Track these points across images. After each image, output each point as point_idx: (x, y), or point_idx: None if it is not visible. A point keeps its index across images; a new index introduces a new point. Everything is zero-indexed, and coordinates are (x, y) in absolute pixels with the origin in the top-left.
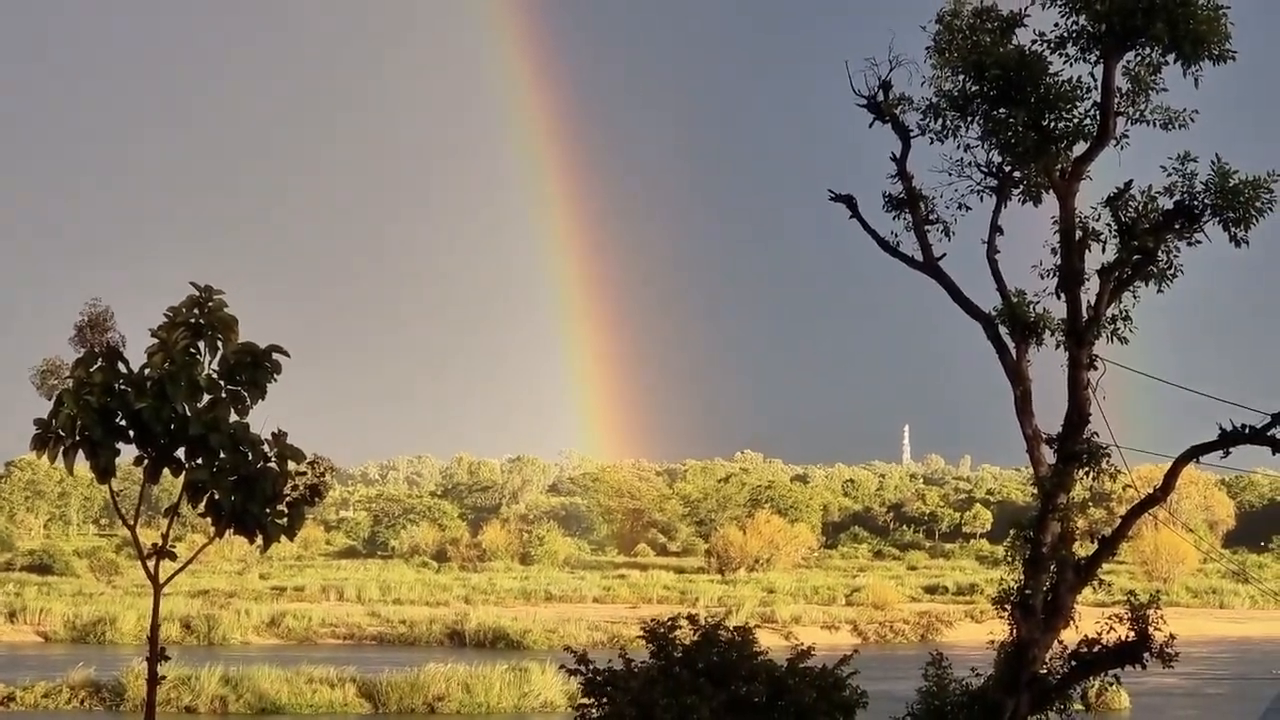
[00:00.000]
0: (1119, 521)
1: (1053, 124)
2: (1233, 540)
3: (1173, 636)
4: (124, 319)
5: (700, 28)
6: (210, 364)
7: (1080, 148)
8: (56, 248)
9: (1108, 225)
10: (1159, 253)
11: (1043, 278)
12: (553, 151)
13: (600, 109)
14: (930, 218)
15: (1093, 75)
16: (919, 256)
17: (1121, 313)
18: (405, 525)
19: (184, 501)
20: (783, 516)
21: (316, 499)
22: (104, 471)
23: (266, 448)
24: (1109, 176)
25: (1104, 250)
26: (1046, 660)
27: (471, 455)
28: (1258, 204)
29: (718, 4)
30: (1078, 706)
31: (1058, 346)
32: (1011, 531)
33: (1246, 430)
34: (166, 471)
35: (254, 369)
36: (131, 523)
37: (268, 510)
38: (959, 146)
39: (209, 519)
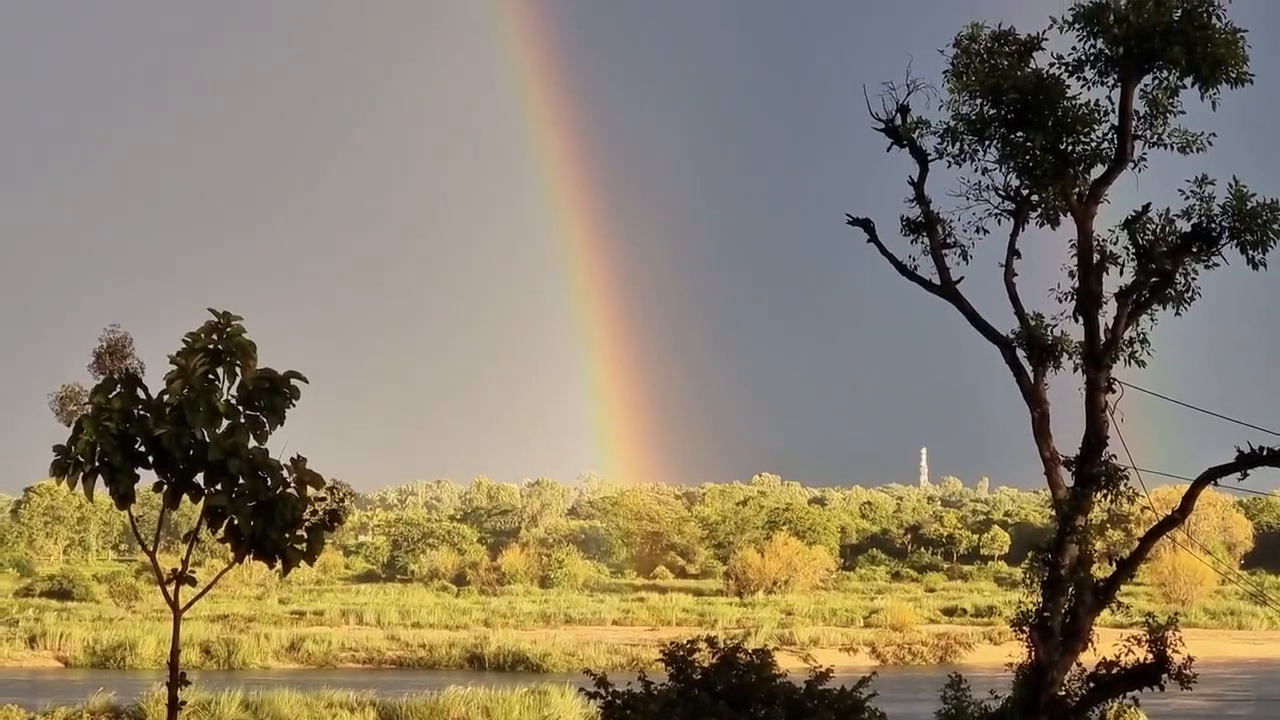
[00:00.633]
0: (1137, 544)
1: (1070, 147)
2: (1251, 561)
3: (1191, 658)
4: (142, 344)
5: (724, 57)
6: (229, 390)
7: (1098, 171)
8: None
9: (1125, 248)
10: (1176, 275)
11: (1060, 301)
12: (574, 179)
13: (622, 136)
14: (948, 241)
15: (1110, 98)
16: (937, 280)
17: (1139, 335)
18: (424, 549)
19: (203, 527)
20: (801, 539)
21: (335, 524)
22: (123, 497)
23: (285, 473)
24: (1127, 199)
25: (1121, 273)
26: (1065, 682)
27: (490, 479)
28: (1275, 226)
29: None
30: None
31: (1075, 369)
32: (1029, 554)
33: (1264, 452)
34: (186, 497)
35: (272, 394)
36: (151, 548)
37: (287, 535)
38: (976, 170)
39: (228, 544)
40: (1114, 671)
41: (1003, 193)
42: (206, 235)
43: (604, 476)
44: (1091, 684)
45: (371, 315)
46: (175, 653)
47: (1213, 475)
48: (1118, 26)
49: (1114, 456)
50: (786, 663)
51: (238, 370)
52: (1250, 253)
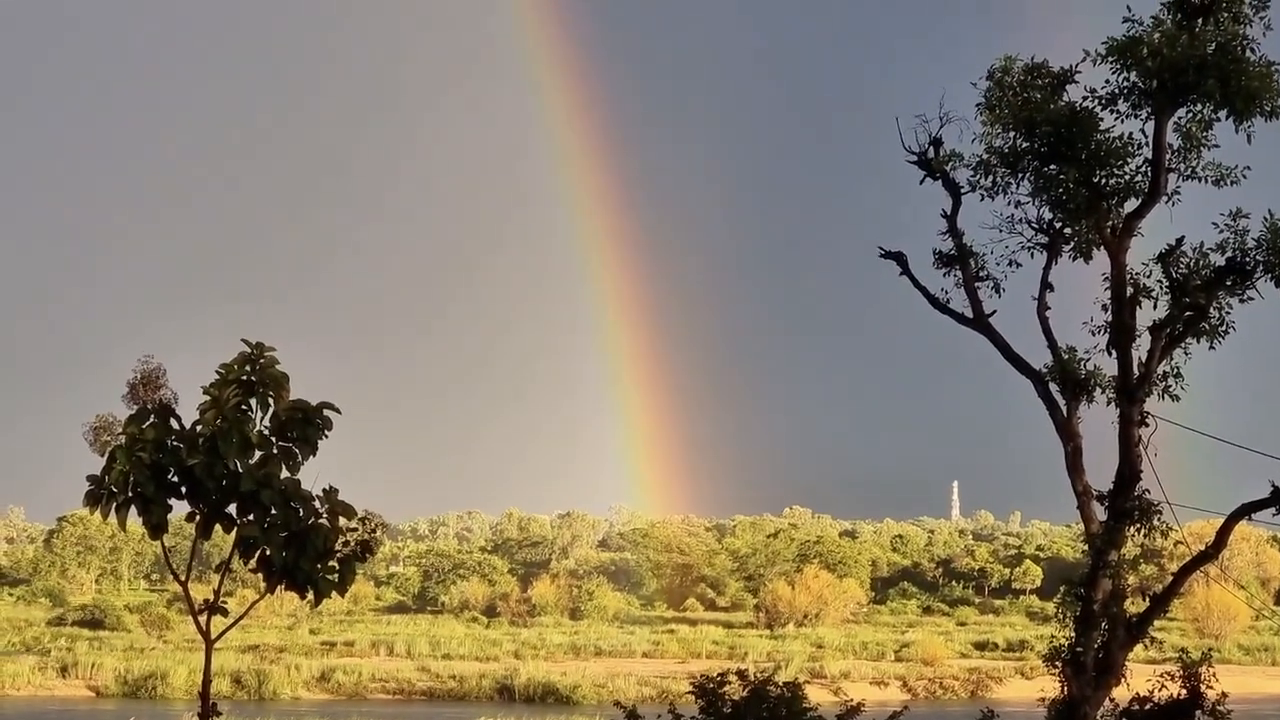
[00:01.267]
0: (1171, 579)
1: (1104, 180)
2: None
3: (1225, 694)
4: (175, 375)
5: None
6: (262, 421)
7: (1131, 204)
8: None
9: (1159, 282)
10: (1211, 309)
11: (1094, 334)
12: (610, 223)
13: (653, 168)
14: (980, 274)
15: (1144, 132)
16: (969, 313)
17: (1173, 369)
18: (455, 580)
19: (235, 557)
20: (831, 572)
21: (368, 555)
22: (156, 527)
23: (318, 504)
24: (1160, 233)
25: (1155, 307)
26: (1098, 718)
27: (521, 511)
28: None
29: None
30: None
31: (1109, 403)
32: (1062, 588)
33: None
34: (217, 527)
35: (305, 425)
36: (184, 578)
37: (319, 566)
38: (1009, 203)
39: (260, 574)
40: (1147, 707)
41: (1036, 226)
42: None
43: (634, 508)
44: (1125, 719)
45: (408, 352)
46: (207, 683)
47: (1247, 510)
48: (1151, 60)
49: (1147, 491)
50: (817, 696)
51: (270, 401)
52: None
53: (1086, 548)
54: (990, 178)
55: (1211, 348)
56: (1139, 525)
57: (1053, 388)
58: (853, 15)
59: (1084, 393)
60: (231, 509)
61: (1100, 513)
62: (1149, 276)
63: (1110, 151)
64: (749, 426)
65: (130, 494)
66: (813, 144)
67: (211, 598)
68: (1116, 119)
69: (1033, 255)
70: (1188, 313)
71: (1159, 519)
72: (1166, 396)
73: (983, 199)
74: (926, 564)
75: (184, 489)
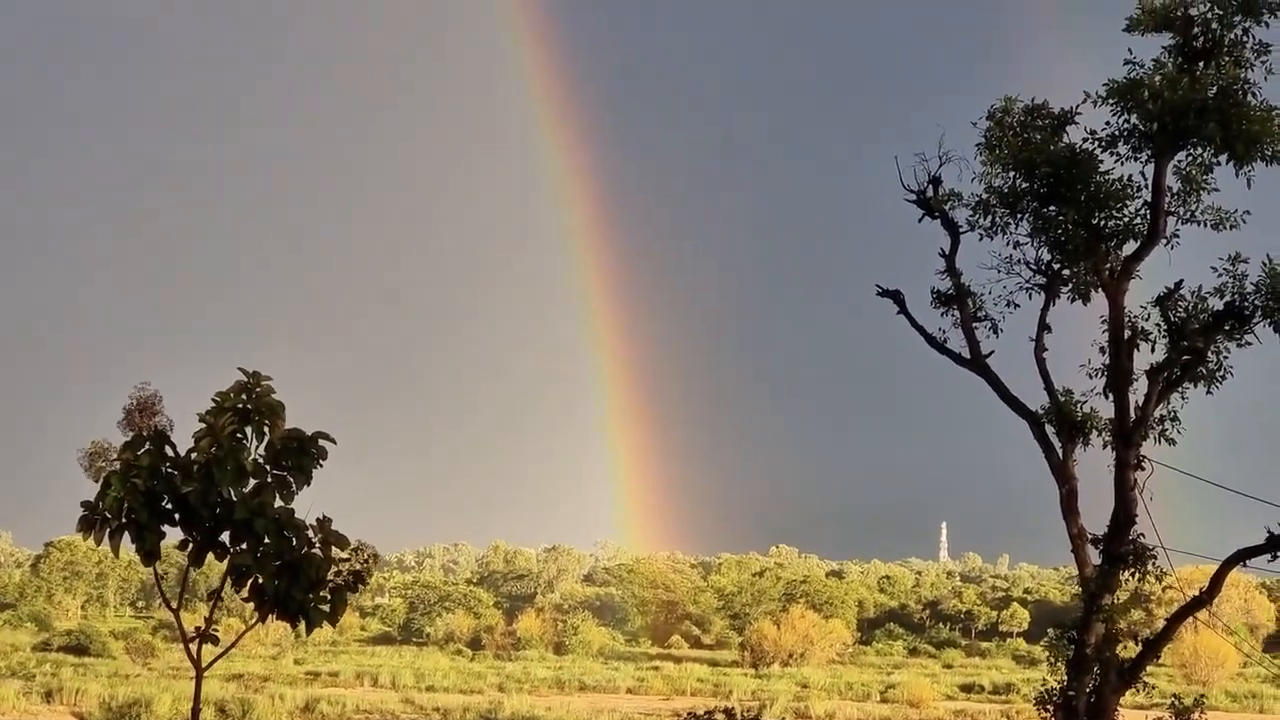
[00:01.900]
0: (1164, 624)
1: (1103, 222)
2: (1273, 644)
3: None
4: (171, 403)
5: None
6: (257, 449)
7: (1130, 246)
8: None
9: (1157, 325)
10: (1208, 354)
11: (1091, 377)
12: (604, 250)
13: (648, 207)
14: (978, 314)
15: (1143, 174)
16: (966, 353)
17: (1170, 413)
18: (440, 612)
19: (226, 585)
20: (817, 612)
21: (360, 585)
22: (149, 554)
23: (311, 533)
24: (1159, 276)
25: (1153, 350)
26: None
27: (507, 544)
28: None
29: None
30: None
31: (1105, 446)
32: (1050, 631)
33: None
34: (209, 555)
35: (300, 455)
36: (175, 605)
37: (310, 596)
38: (1008, 243)
39: (250, 603)
40: None
41: (1034, 266)
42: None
43: (621, 544)
44: None
45: (402, 389)
46: (196, 711)
47: (1242, 556)
48: (1152, 102)
49: (1142, 535)
50: None
51: (266, 430)
52: None
53: (1079, 591)
54: (989, 217)
55: (1209, 392)
56: (1133, 569)
57: (1049, 430)
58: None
59: (1080, 435)
60: (225, 537)
61: (1094, 556)
62: (1147, 319)
63: (1109, 193)
64: (736, 465)
65: (124, 520)
66: (810, 179)
67: (203, 625)
68: (1116, 161)
69: (1031, 296)
70: (1185, 357)
71: (1153, 563)
72: (1163, 440)
73: (981, 239)
74: (913, 605)
75: (177, 516)
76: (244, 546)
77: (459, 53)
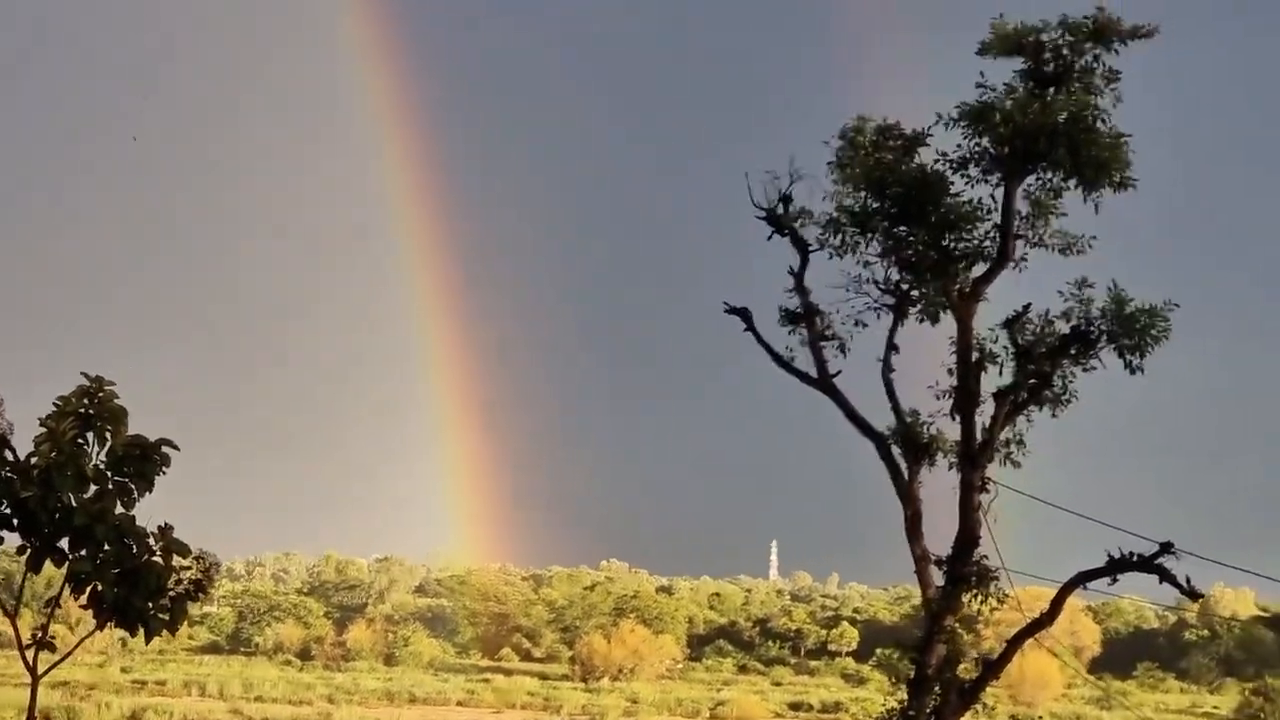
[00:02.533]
0: (1005, 646)
1: (953, 244)
2: (1097, 666)
3: None
4: (12, 407)
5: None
6: (98, 455)
7: (980, 268)
8: None
9: (1005, 347)
10: (1055, 377)
11: (938, 398)
12: (442, 253)
13: (491, 232)
14: (826, 333)
15: (994, 197)
16: (814, 372)
17: (1016, 436)
18: (270, 622)
19: (65, 592)
20: (648, 627)
21: (200, 594)
22: None
23: (152, 541)
24: (1008, 298)
25: (1000, 372)
26: None
27: (339, 554)
28: (1153, 332)
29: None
30: None
31: (950, 468)
32: (879, 651)
33: (1134, 558)
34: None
35: (142, 461)
36: (12, 612)
37: (150, 604)
38: (858, 262)
39: (88, 610)
40: None
41: (883, 286)
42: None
43: (453, 555)
44: None
45: (229, 386)
46: (32, 719)
47: (1084, 579)
48: (1003, 126)
49: (985, 557)
50: None
51: (108, 436)
52: (1127, 357)
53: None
54: (839, 236)
55: (1054, 415)
56: (976, 591)
57: (895, 450)
58: None
59: (926, 457)
60: (64, 543)
61: (938, 577)
62: (995, 342)
63: (960, 215)
64: (570, 477)
65: None
66: (658, 185)
67: (40, 633)
68: (967, 183)
69: (879, 316)
70: (1032, 380)
71: (995, 585)
72: (1008, 463)
73: (831, 257)
74: (743, 622)
75: (16, 521)
76: (84, 553)
77: (298, 51)
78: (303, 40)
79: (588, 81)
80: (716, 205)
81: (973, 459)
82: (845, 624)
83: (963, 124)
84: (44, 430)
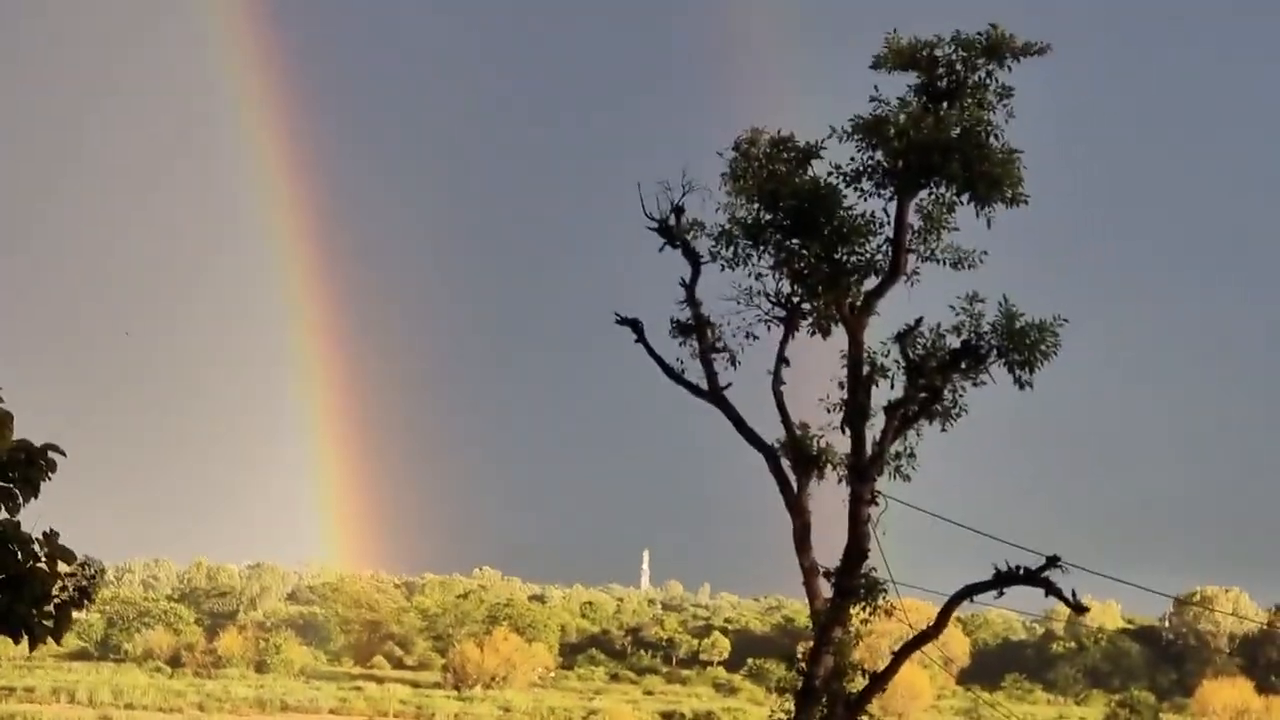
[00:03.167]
0: (891, 657)
1: (845, 257)
2: (966, 677)
3: None
4: None
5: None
6: None
7: (872, 282)
8: None
9: (896, 361)
10: (945, 392)
11: (829, 411)
12: (317, 259)
13: (359, 228)
14: (717, 345)
15: (886, 211)
16: (704, 384)
17: (905, 450)
18: (140, 629)
19: None
20: (521, 635)
21: (86, 601)
22: None
23: (37, 547)
24: (899, 313)
25: (891, 386)
26: None
27: (210, 560)
28: (1043, 347)
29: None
30: None
31: (840, 481)
32: (749, 660)
33: (1020, 571)
34: None
35: (28, 466)
36: None
37: (34, 611)
38: (750, 275)
39: None
40: None
41: (774, 299)
42: None
43: (325, 562)
44: None
45: (97, 387)
46: None
47: (970, 592)
48: (897, 140)
49: (874, 569)
50: None
51: None
52: (1017, 372)
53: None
54: (731, 248)
55: (944, 430)
56: (864, 603)
57: (784, 463)
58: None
59: (816, 470)
60: None
61: (826, 589)
62: (886, 356)
63: (852, 229)
64: (443, 485)
65: None
66: (543, 196)
67: None
68: (860, 197)
69: (770, 329)
70: (923, 394)
71: (883, 597)
72: (898, 476)
73: (723, 269)
74: (615, 631)
75: None
76: None
77: (166, 52)
78: (159, 39)
79: (476, 81)
80: (605, 215)
81: (862, 472)
82: (717, 634)
83: (857, 137)
84: None
